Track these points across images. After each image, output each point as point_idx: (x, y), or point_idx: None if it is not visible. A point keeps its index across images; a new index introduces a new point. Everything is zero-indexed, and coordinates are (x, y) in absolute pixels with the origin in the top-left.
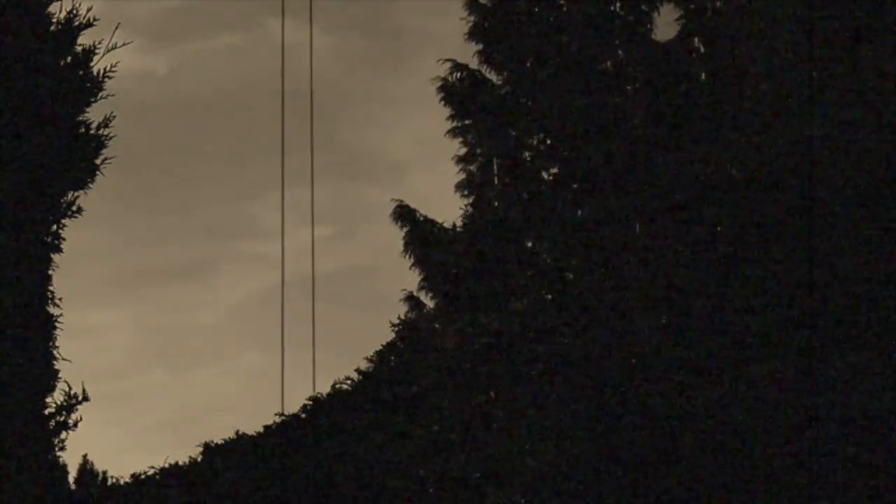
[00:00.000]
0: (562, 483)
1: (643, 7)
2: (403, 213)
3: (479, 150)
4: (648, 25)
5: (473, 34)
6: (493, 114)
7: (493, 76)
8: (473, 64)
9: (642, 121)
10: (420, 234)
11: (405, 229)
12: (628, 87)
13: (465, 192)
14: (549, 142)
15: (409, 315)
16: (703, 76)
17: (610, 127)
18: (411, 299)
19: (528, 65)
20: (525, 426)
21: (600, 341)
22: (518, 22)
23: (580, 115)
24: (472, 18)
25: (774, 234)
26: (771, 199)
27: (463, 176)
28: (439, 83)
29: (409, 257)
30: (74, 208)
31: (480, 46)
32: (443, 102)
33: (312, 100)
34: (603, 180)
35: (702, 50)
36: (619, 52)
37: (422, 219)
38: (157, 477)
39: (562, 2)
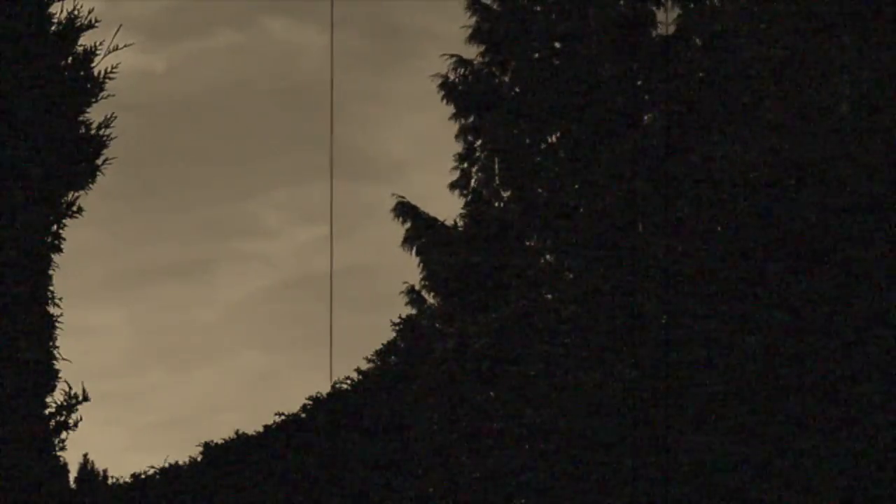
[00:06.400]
0: (562, 483)
1: (647, 3)
2: (404, 209)
3: (479, 149)
4: (653, 22)
5: (475, 35)
6: (496, 111)
7: (496, 73)
8: (476, 62)
9: (649, 120)
10: (421, 229)
11: (406, 225)
12: (637, 84)
13: (462, 192)
14: (550, 140)
15: (409, 309)
16: (703, 74)
17: (614, 126)
18: (412, 293)
19: (531, 62)
20: (525, 426)
21: (601, 341)
22: (520, 21)
23: (583, 113)
24: (473, 20)
25: (780, 234)
26: (777, 199)
27: (458, 175)
28: (440, 80)
29: (412, 254)
30: (74, 208)
31: (482, 48)
32: (444, 100)
33: (333, 102)
34: (605, 180)
35: (699, 47)
36: (624, 51)
37: (423, 215)
38: (157, 477)
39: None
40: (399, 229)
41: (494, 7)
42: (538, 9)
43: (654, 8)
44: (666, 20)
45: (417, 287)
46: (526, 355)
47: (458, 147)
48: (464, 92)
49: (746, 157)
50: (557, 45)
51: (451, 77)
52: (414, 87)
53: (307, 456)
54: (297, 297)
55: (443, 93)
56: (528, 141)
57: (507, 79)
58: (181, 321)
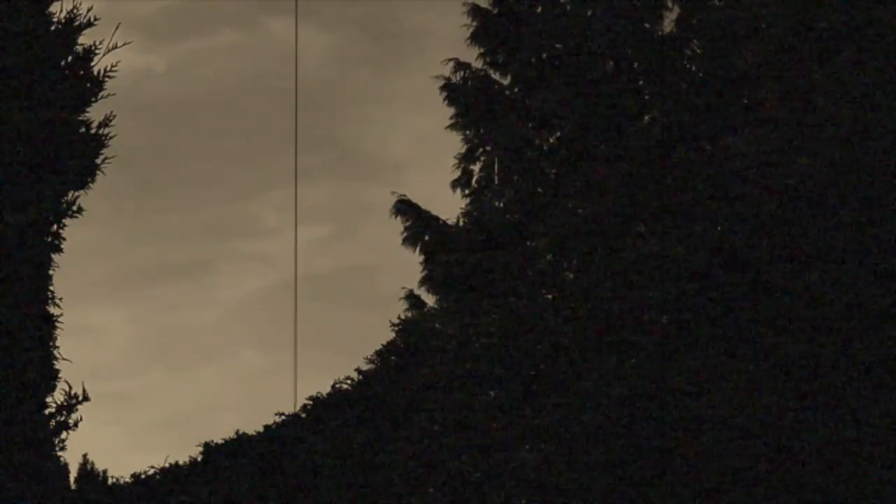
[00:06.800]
0: (562, 483)
1: (650, 4)
2: (405, 208)
3: (480, 149)
4: (655, 23)
5: (475, 38)
6: (496, 113)
7: (496, 76)
8: (476, 64)
9: (649, 120)
10: (422, 227)
11: (406, 223)
12: (638, 83)
13: (463, 191)
14: (551, 141)
15: (410, 313)
16: (702, 74)
17: (614, 126)
18: (412, 297)
19: (532, 64)
20: (525, 426)
21: (600, 342)
22: (520, 22)
23: (584, 114)
24: (473, 24)
25: (780, 237)
26: (777, 201)
27: (459, 173)
28: (442, 82)
29: (416, 252)
30: (74, 208)
31: (482, 49)
32: (446, 102)
33: (297, 98)
34: (605, 180)
35: (699, 49)
36: (628, 50)
37: (424, 213)
38: (157, 477)
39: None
40: (399, 228)
41: (494, 11)
42: (539, 10)
43: (659, 9)
44: (662, 21)
45: (417, 287)
46: (526, 355)
47: (459, 148)
48: (464, 93)
49: (746, 156)
50: (558, 45)
51: (453, 79)
52: (414, 87)
53: (307, 456)
54: (298, 297)
55: (445, 94)
56: (528, 141)
57: (507, 80)
58: (181, 321)
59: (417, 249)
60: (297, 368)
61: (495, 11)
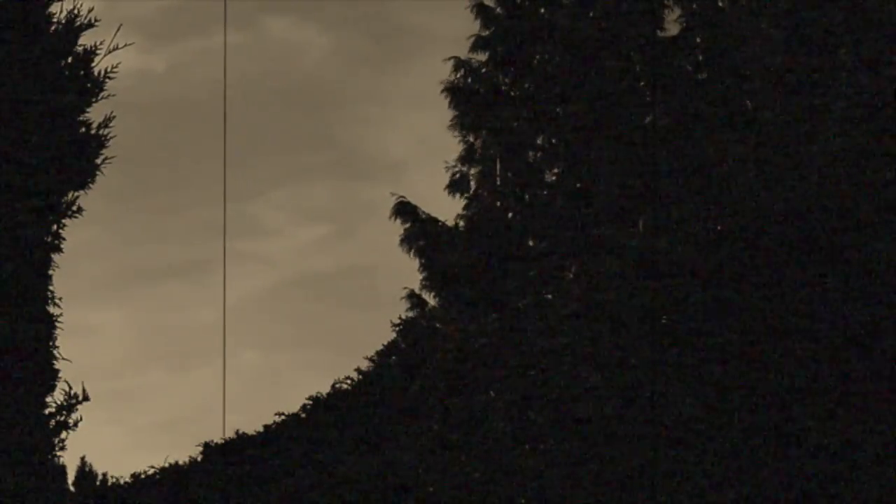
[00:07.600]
0: (562, 483)
1: (652, 6)
2: (404, 209)
3: (480, 149)
4: (657, 25)
5: (479, 42)
6: (496, 113)
7: (497, 76)
8: (477, 64)
9: (650, 121)
10: (421, 229)
11: (405, 225)
12: (640, 84)
13: (462, 191)
14: (553, 141)
15: (411, 313)
16: (705, 74)
17: (615, 127)
18: (413, 297)
19: (534, 64)
20: (525, 426)
21: (599, 341)
22: (524, 22)
23: (585, 115)
24: (477, 22)
25: (779, 236)
26: (776, 202)
27: (455, 175)
28: (443, 82)
29: (412, 255)
30: (74, 208)
31: (485, 53)
32: (448, 102)
33: (225, 98)
34: (605, 180)
35: (700, 50)
36: (630, 52)
37: (423, 216)
38: (157, 477)
39: (567, 2)
40: (399, 229)
41: (498, 10)
42: (542, 11)
43: (660, 11)
44: (662, 23)
45: (418, 287)
46: (526, 355)
47: (459, 147)
48: (465, 93)
49: (745, 158)
50: (561, 46)
51: (453, 78)
52: (414, 87)
53: (308, 456)
54: (297, 297)
55: (446, 94)
56: (528, 141)
57: (507, 80)
58: (181, 321)
59: (416, 252)
60: (225, 375)
61: (498, 10)
